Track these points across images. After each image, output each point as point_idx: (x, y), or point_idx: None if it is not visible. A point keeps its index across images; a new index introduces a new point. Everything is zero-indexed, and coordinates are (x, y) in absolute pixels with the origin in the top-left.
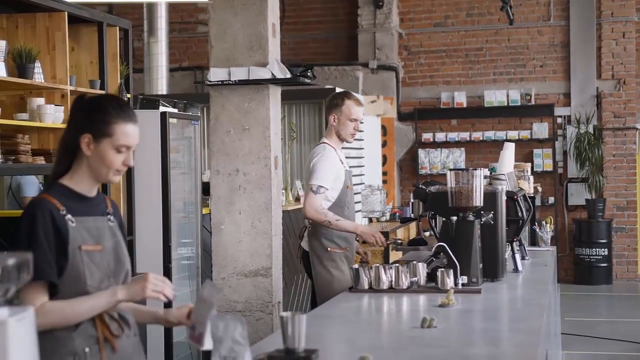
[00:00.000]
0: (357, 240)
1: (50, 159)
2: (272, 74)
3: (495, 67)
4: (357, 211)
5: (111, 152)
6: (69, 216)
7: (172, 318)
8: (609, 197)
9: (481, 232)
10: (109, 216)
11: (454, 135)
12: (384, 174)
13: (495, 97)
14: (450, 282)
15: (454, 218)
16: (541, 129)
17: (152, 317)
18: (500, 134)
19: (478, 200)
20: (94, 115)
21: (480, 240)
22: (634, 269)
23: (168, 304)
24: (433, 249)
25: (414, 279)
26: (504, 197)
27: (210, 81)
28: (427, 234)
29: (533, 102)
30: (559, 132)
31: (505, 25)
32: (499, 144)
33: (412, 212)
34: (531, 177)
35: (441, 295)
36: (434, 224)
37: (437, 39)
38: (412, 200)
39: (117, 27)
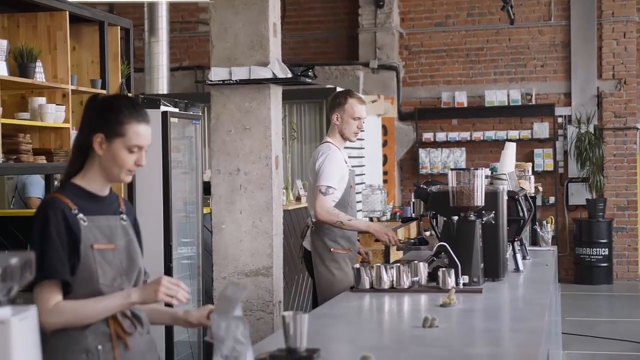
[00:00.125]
0: (358, 241)
1: (52, 158)
2: (273, 73)
3: (495, 67)
4: (357, 211)
5: (123, 152)
6: (80, 215)
7: (192, 319)
8: (610, 197)
9: (482, 231)
10: (121, 215)
11: (454, 135)
12: (385, 173)
13: (495, 96)
14: (451, 281)
15: (455, 218)
16: (542, 129)
17: (171, 317)
18: (501, 134)
19: (479, 200)
20: (106, 115)
21: (482, 239)
22: (635, 269)
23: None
24: (434, 249)
25: (415, 278)
26: (505, 197)
27: (211, 80)
28: (427, 233)
29: (534, 102)
30: (560, 132)
31: (506, 25)
32: (499, 144)
33: (413, 212)
34: (532, 177)
35: (442, 294)
36: (435, 224)
37: (438, 39)
38: (413, 200)
39: (118, 27)
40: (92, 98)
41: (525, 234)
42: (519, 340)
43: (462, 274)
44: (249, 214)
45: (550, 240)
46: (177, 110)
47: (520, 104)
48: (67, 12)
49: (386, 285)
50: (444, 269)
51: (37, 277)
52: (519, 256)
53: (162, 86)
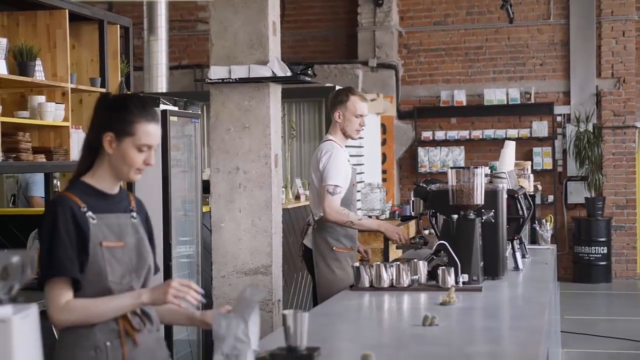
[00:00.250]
0: (358, 241)
1: (51, 156)
2: (273, 72)
3: (495, 66)
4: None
5: (133, 151)
6: (89, 213)
7: (209, 319)
8: (609, 196)
9: (482, 230)
10: (132, 213)
11: (453, 134)
12: (384, 172)
13: (494, 95)
14: (451, 280)
15: (455, 216)
16: (541, 128)
17: (187, 318)
18: (500, 133)
19: (479, 199)
20: (116, 114)
21: (481, 238)
22: (633, 267)
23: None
24: (434, 247)
25: (414, 277)
26: (505, 196)
27: (210, 79)
28: (427, 232)
29: (533, 101)
30: (559, 130)
31: (505, 24)
32: (498, 143)
33: (413, 210)
34: (531, 176)
35: (442, 293)
36: (434, 222)
37: (437, 38)
38: (412, 199)
39: (118, 25)
40: (102, 96)
41: (525, 232)
42: (519, 339)
43: (462, 273)
44: (248, 212)
45: (549, 239)
46: (176, 108)
47: (519, 102)
48: (67, 11)
49: (386, 283)
50: (443, 267)
51: (47, 274)
52: (518, 255)
53: (162, 85)
